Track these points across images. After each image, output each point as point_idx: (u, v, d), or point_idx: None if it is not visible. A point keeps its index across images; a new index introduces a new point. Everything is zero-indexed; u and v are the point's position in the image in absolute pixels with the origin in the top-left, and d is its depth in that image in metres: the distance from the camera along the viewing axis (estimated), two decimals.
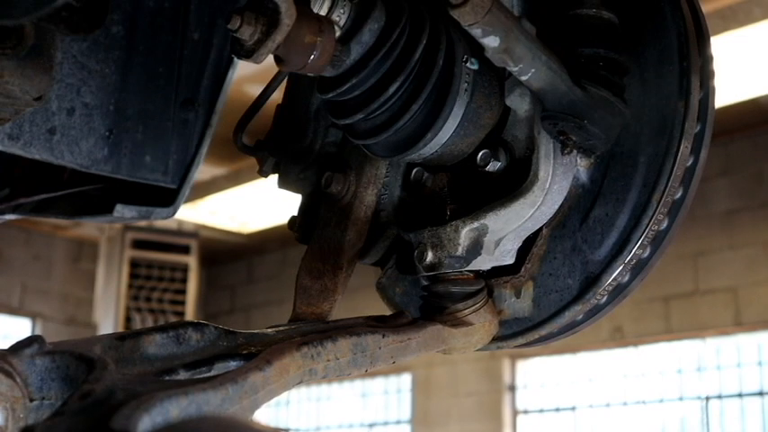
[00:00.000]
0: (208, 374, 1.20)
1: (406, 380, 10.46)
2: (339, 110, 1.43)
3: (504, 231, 1.42)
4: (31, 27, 1.52)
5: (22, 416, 1.07)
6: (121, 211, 2.12)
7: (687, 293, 7.97)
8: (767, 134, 7.85)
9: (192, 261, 10.55)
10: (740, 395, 7.78)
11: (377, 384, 10.83)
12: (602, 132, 1.36)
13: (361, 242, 1.57)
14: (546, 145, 1.39)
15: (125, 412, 0.87)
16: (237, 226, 10.78)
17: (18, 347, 1.11)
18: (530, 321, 1.47)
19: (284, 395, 12.58)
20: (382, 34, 1.35)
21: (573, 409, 8.91)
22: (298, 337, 1.25)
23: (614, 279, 1.41)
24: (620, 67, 1.39)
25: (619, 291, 1.45)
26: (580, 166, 1.41)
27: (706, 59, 1.39)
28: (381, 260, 1.63)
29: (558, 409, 9.05)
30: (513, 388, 9.39)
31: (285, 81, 1.72)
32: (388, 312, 1.53)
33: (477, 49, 1.35)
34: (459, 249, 1.41)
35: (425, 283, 1.49)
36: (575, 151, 1.40)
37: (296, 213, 1.70)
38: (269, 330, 1.34)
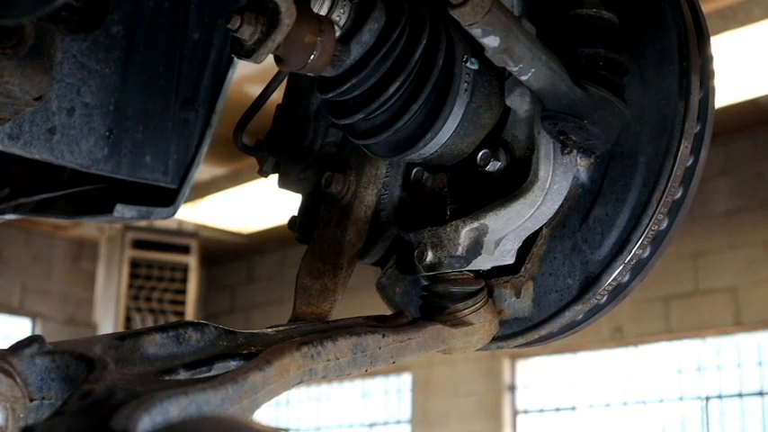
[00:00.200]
0: (208, 374, 1.20)
1: (406, 380, 10.46)
2: (339, 110, 1.43)
3: (505, 231, 1.42)
4: (31, 27, 1.52)
5: (22, 416, 1.07)
6: (121, 211, 2.12)
7: (687, 293, 7.97)
8: (767, 134, 7.85)
9: (192, 261, 10.55)
10: (740, 395, 7.78)
11: (377, 384, 10.83)
12: (602, 132, 1.36)
13: (362, 242, 1.57)
14: (546, 145, 1.39)
15: (125, 412, 0.87)
16: (237, 226, 10.78)
17: (18, 347, 1.11)
18: (530, 321, 1.47)
19: (284, 395, 12.57)
20: (382, 34, 1.35)
21: (573, 409, 8.91)
22: (298, 337, 1.25)
23: (614, 279, 1.41)
24: (620, 67, 1.39)
25: (619, 291, 1.45)
26: (580, 166, 1.41)
27: (706, 59, 1.39)
28: (381, 260, 1.63)
29: (558, 409, 9.05)
30: (513, 388, 9.39)
31: (285, 81, 1.72)
32: (388, 312, 1.53)
33: (477, 49, 1.35)
34: (460, 249, 1.41)
35: (425, 283, 1.49)
36: (575, 151, 1.40)
37: (296, 213, 1.70)
38: (269, 330, 1.34)
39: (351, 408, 11.08)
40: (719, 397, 7.88)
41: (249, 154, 1.69)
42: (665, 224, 1.39)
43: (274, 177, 1.71)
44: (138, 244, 10.32)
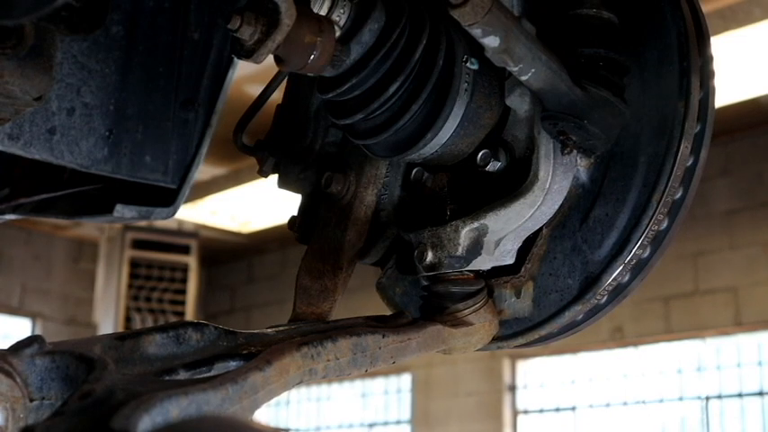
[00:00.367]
0: (208, 374, 1.20)
1: (406, 380, 10.46)
2: (339, 110, 1.43)
3: (505, 231, 1.42)
4: (31, 27, 1.52)
5: (22, 416, 1.07)
6: (121, 211, 2.12)
7: (687, 293, 7.97)
8: (767, 134, 7.85)
9: (192, 261, 10.55)
10: (740, 395, 7.78)
11: (377, 384, 10.83)
12: (602, 132, 1.36)
13: (361, 242, 1.56)
14: (546, 145, 1.39)
15: (125, 412, 0.87)
16: (238, 226, 10.78)
17: (18, 347, 1.11)
18: (530, 321, 1.47)
19: (284, 395, 12.57)
20: (382, 34, 1.35)
21: (573, 409, 8.91)
22: (298, 337, 1.25)
23: (614, 279, 1.41)
24: (620, 68, 1.39)
25: (619, 291, 1.45)
26: (580, 166, 1.41)
27: (706, 59, 1.39)
28: (381, 260, 1.63)
29: (558, 409, 9.05)
30: (513, 388, 9.39)
31: (285, 81, 1.72)
32: (388, 312, 1.53)
33: (477, 49, 1.35)
34: (460, 249, 1.41)
35: (425, 283, 1.49)
36: (575, 151, 1.40)
37: (296, 213, 1.70)
38: (269, 330, 1.34)
39: (351, 408, 11.08)
40: (719, 397, 7.88)
41: (249, 154, 1.69)
42: (665, 224, 1.39)
43: (274, 177, 1.71)
44: (138, 244, 10.32)
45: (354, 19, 1.33)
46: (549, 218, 1.42)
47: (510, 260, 1.46)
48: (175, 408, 0.91)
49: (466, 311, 1.45)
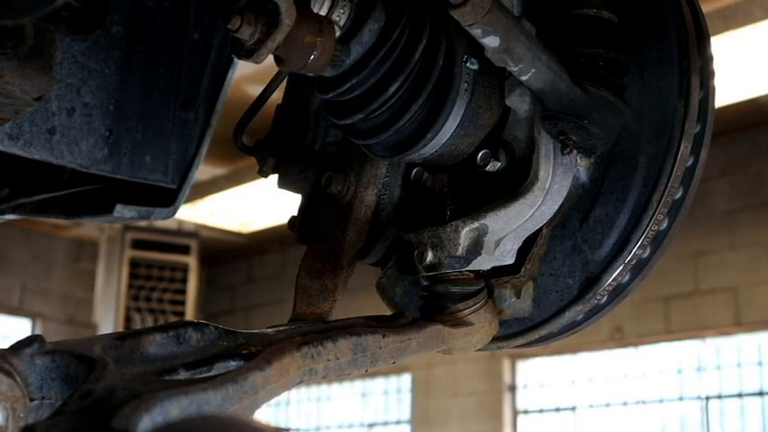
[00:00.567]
0: (208, 374, 1.20)
1: (406, 380, 10.46)
2: (339, 110, 1.43)
3: (505, 231, 1.42)
4: (31, 27, 1.52)
5: (22, 415, 1.07)
6: (121, 211, 2.12)
7: (687, 293, 7.97)
8: (767, 134, 7.84)
9: (192, 261, 10.55)
10: (740, 395, 7.78)
11: (377, 384, 10.82)
12: (602, 132, 1.36)
13: (361, 242, 1.56)
14: (546, 145, 1.39)
15: (125, 412, 0.87)
16: (237, 226, 10.78)
17: (18, 347, 1.11)
18: (530, 321, 1.47)
19: (284, 395, 12.56)
20: (382, 34, 1.35)
21: (573, 409, 8.91)
22: (298, 337, 1.25)
23: (614, 279, 1.41)
24: (620, 68, 1.39)
25: (619, 291, 1.45)
26: (580, 166, 1.41)
27: (706, 59, 1.39)
28: (381, 260, 1.63)
29: (558, 409, 9.05)
30: (513, 388, 9.39)
31: (285, 81, 1.72)
32: (388, 312, 1.53)
33: (477, 49, 1.35)
34: (460, 249, 1.40)
35: (425, 283, 1.49)
36: (575, 151, 1.40)
37: (296, 213, 1.70)
38: (269, 330, 1.34)
39: (351, 408, 11.08)
40: (719, 397, 7.88)
41: (249, 154, 1.69)
42: (665, 224, 1.39)
43: (274, 177, 1.71)
44: (138, 244, 10.32)
45: (354, 19, 1.33)
46: (549, 218, 1.42)
47: (510, 260, 1.46)
48: (176, 407, 0.91)
49: (466, 311, 1.45)
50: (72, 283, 11.54)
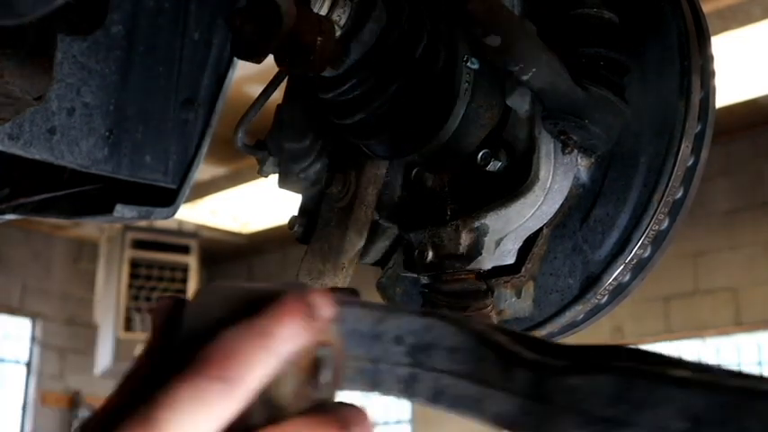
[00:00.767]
0: None
1: None
2: (339, 110, 1.43)
3: (505, 231, 1.42)
4: (31, 27, 1.52)
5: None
6: (121, 211, 2.12)
7: (687, 293, 7.97)
8: (767, 134, 7.85)
9: (192, 261, 10.55)
10: None
11: None
12: (602, 132, 1.36)
13: (362, 242, 1.56)
14: (547, 145, 1.39)
15: None
16: (238, 226, 10.78)
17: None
18: (530, 321, 1.47)
19: None
20: (382, 34, 1.35)
21: None
22: None
23: (615, 279, 1.41)
24: (620, 67, 1.39)
25: (619, 290, 1.45)
26: (581, 166, 1.41)
27: (706, 59, 1.39)
28: (382, 260, 1.63)
29: None
30: None
31: (285, 81, 1.72)
32: None
33: (477, 49, 1.35)
34: (460, 249, 1.40)
35: (425, 282, 1.49)
36: (575, 151, 1.40)
37: (296, 213, 1.70)
38: None
39: None
40: None
41: (249, 154, 1.69)
42: (665, 224, 1.39)
43: (274, 177, 1.71)
44: (138, 244, 10.32)
45: (355, 19, 1.33)
46: (549, 217, 1.42)
47: (510, 260, 1.46)
48: None
49: (469, 312, 1.45)
50: (72, 283, 11.54)
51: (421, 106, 1.38)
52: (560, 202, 1.41)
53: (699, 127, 1.38)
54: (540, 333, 1.47)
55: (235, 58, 1.84)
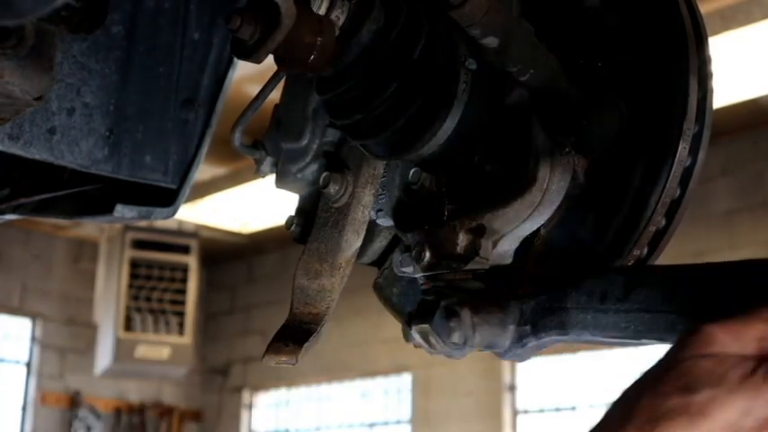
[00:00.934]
0: None
1: (406, 380, 10.46)
2: (337, 110, 1.43)
3: (503, 232, 1.41)
4: (31, 27, 1.53)
5: None
6: (121, 211, 2.12)
7: None
8: (767, 134, 7.85)
9: (192, 261, 10.56)
10: None
11: (377, 384, 10.83)
12: (600, 133, 1.36)
13: (359, 242, 1.56)
14: (544, 145, 1.39)
15: None
16: (238, 226, 10.79)
17: None
18: None
19: (284, 395, 12.62)
20: (380, 34, 1.35)
21: (573, 409, 8.92)
22: None
23: None
24: (617, 68, 1.39)
25: None
26: (578, 167, 1.41)
27: (704, 60, 1.39)
28: (378, 260, 1.63)
29: (558, 409, 9.06)
30: (513, 388, 9.40)
31: (283, 80, 1.72)
32: (386, 312, 1.53)
33: (475, 49, 1.35)
34: (457, 249, 1.40)
35: (423, 283, 1.49)
36: (573, 152, 1.40)
37: (293, 213, 1.70)
38: None
39: (351, 408, 11.09)
40: None
41: (246, 153, 1.69)
42: (662, 225, 1.39)
43: (273, 177, 1.71)
44: (138, 244, 10.33)
45: (353, 19, 1.33)
46: (546, 218, 1.42)
47: (507, 260, 1.46)
48: None
49: None
50: (72, 283, 11.55)
51: (419, 107, 1.39)
52: (557, 203, 1.41)
53: (696, 128, 1.38)
54: None
55: (235, 58, 1.84)
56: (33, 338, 11.33)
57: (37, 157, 1.89)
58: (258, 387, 12.02)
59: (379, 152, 1.47)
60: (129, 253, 10.26)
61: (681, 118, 1.34)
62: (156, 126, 2.07)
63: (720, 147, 7.68)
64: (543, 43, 1.33)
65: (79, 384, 11.38)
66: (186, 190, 2.15)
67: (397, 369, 10.34)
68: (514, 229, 1.42)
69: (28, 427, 11.16)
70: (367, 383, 10.84)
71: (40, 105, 1.66)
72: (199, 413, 12.55)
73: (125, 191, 2.12)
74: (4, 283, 11.01)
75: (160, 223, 9.86)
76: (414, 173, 1.55)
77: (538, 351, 1.38)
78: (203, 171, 8.51)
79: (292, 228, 1.67)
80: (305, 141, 1.64)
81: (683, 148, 1.35)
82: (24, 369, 11.35)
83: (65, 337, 11.41)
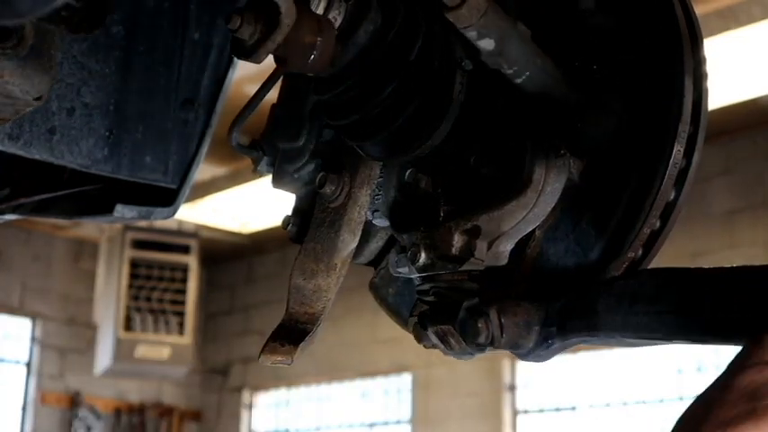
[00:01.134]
0: None
1: (406, 380, 10.46)
2: (334, 110, 1.44)
3: (498, 233, 1.42)
4: (31, 27, 1.53)
5: None
6: (121, 211, 2.13)
7: None
8: (767, 134, 7.85)
9: (192, 261, 10.56)
10: None
11: (377, 384, 10.83)
12: (595, 135, 1.37)
13: (355, 242, 1.56)
14: (539, 147, 1.40)
15: None
16: (238, 226, 10.79)
17: None
18: None
19: (284, 395, 12.61)
20: (378, 35, 1.36)
21: (573, 409, 8.92)
22: None
23: None
24: (613, 70, 1.39)
25: None
26: (573, 168, 1.41)
27: (699, 61, 1.39)
28: (374, 260, 1.64)
29: (558, 409, 9.06)
30: (513, 388, 9.40)
31: (280, 80, 1.72)
32: (381, 312, 1.53)
33: (471, 51, 1.36)
34: (453, 250, 1.40)
35: (418, 283, 1.49)
36: (568, 153, 1.40)
37: (290, 213, 1.70)
38: None
39: (351, 408, 11.09)
40: None
41: (244, 153, 1.69)
42: (657, 226, 1.39)
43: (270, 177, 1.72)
44: (138, 244, 10.33)
45: (350, 20, 1.34)
46: (542, 220, 1.42)
47: (503, 262, 1.46)
48: None
49: None
50: (72, 283, 11.56)
51: (415, 108, 1.39)
52: (553, 205, 1.41)
53: (691, 129, 1.38)
54: None
55: (235, 58, 1.85)
56: (33, 338, 11.34)
57: (37, 157, 1.90)
58: (258, 387, 12.02)
59: (376, 153, 1.48)
60: (129, 253, 10.26)
61: (676, 119, 1.34)
62: (155, 126, 2.07)
63: (720, 147, 7.69)
64: (539, 45, 1.33)
65: (79, 384, 11.38)
66: (186, 190, 2.16)
67: (397, 369, 10.34)
68: (510, 231, 1.42)
69: (28, 426, 11.17)
70: (367, 383, 10.85)
71: (40, 105, 1.67)
72: (199, 413, 12.55)
73: (125, 191, 2.12)
74: (4, 283, 11.02)
75: (160, 223, 9.87)
76: (410, 174, 1.55)
77: (561, 352, 1.38)
78: (203, 171, 8.52)
79: (289, 227, 1.68)
80: (302, 141, 1.65)
81: (677, 150, 1.35)
82: (24, 369, 11.35)
83: (65, 337, 11.41)
